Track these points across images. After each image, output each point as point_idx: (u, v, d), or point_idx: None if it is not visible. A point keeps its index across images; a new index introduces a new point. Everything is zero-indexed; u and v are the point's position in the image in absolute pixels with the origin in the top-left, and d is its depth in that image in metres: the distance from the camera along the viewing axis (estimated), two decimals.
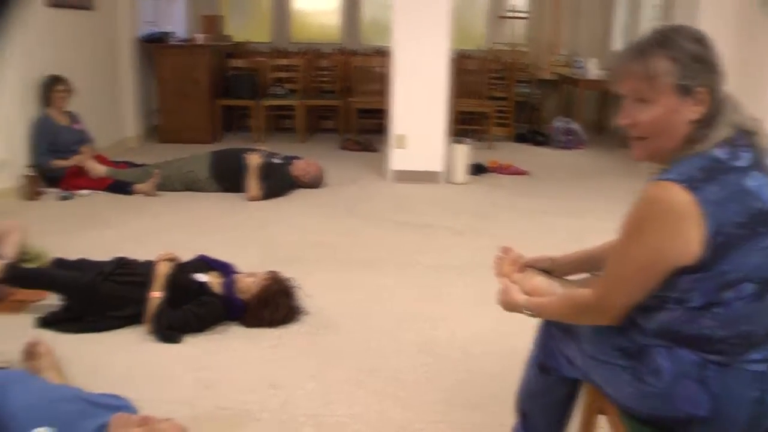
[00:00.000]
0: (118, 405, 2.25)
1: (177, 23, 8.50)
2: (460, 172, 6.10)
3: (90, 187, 5.58)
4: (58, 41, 6.10)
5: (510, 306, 1.91)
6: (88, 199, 5.46)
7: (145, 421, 2.07)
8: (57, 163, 5.61)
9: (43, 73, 5.75)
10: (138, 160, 6.21)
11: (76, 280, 3.41)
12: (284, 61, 8.22)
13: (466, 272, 3.98)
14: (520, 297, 1.90)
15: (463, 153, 6.11)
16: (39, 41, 5.71)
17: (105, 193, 5.56)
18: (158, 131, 7.79)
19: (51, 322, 3.32)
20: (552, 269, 2.11)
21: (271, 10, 9.47)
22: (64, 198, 5.40)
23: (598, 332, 1.75)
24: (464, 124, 7.60)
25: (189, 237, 4.34)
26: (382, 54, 6.91)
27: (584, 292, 1.75)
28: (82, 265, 3.59)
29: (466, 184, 6.05)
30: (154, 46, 7.68)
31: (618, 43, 9.18)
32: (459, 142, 6.14)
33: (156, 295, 3.25)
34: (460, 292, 3.75)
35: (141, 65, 7.60)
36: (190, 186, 5.64)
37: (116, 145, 6.96)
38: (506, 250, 2.17)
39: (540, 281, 2.03)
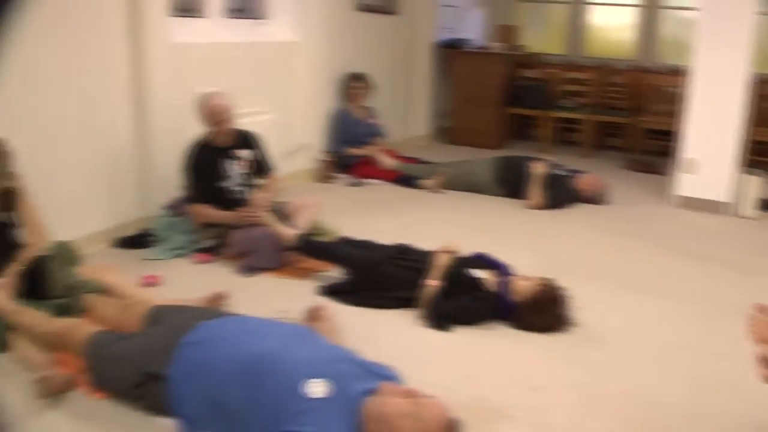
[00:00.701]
0: (387, 375, 2.33)
1: (473, 31, 8.68)
2: (749, 206, 5.52)
3: (378, 177, 5.91)
4: (363, 42, 6.57)
5: None
6: (375, 188, 5.78)
7: (411, 394, 2.10)
8: (351, 150, 6.03)
9: (347, 70, 6.22)
10: (426, 158, 6.45)
11: (361, 257, 3.63)
12: (576, 74, 8.04)
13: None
14: None
15: (755, 185, 5.52)
16: (345, 41, 6.21)
17: (392, 184, 5.84)
18: (447, 133, 8.02)
19: (332, 291, 3.58)
20: None
21: (567, 23, 9.32)
22: (354, 184, 5.79)
23: None
24: (758, 155, 6.85)
25: (467, 235, 4.37)
26: (678, 73, 6.45)
27: None
28: (367, 245, 3.80)
29: (755, 219, 5.45)
30: (450, 51, 7.93)
31: None
32: (751, 173, 5.56)
33: (433, 283, 3.35)
34: (741, 331, 3.36)
35: (436, 69, 7.88)
36: (473, 188, 5.71)
37: (406, 141, 7.29)
38: (764, 309, 1.85)
39: None
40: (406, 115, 7.53)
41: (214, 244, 4.06)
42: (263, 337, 2.40)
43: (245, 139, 4.19)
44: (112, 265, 3.59)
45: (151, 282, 3.64)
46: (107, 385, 2.56)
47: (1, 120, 3.37)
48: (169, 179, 4.38)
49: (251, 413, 2.20)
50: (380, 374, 2.32)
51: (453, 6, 8.58)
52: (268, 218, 3.88)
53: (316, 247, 3.84)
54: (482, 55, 7.88)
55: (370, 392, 2.16)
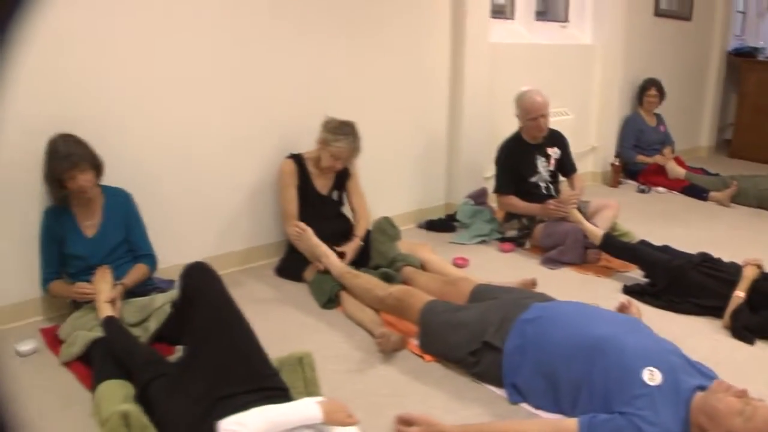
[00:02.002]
0: (709, 374, 2.34)
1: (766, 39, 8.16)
2: None
3: (666, 186, 5.78)
4: (658, 48, 6.45)
5: None
6: (662, 196, 5.67)
7: (743, 394, 2.10)
8: (641, 158, 5.97)
9: (641, 76, 6.16)
10: (710, 170, 6.19)
11: (666, 261, 3.61)
12: None
13: None
14: None
15: None
16: (641, 47, 6.16)
17: (679, 194, 5.69)
18: (730, 145, 7.63)
19: (634, 291, 3.58)
20: None
21: None
22: (641, 191, 5.73)
23: None
24: None
25: (761, 253, 4.16)
26: None
27: None
28: (667, 250, 3.77)
29: None
30: (741, 61, 7.52)
31: None
32: None
33: (740, 294, 3.26)
34: None
35: (725, 78, 7.52)
36: (764, 203, 5.42)
37: (688, 152, 7.04)
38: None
39: None
40: (691, 124, 7.28)
41: (517, 235, 4.25)
42: (599, 322, 2.50)
43: (555, 138, 4.34)
44: (426, 243, 3.91)
45: (460, 263, 3.89)
46: (441, 349, 2.79)
47: (349, 110, 3.82)
48: (474, 171, 4.65)
49: (581, 389, 2.32)
50: (704, 373, 2.33)
51: (743, 12, 8.13)
52: (576, 214, 3.98)
53: (620, 247, 3.87)
54: None
55: (702, 388, 2.19)
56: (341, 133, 3.51)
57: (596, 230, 3.89)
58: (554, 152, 4.31)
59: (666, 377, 2.18)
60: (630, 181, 5.91)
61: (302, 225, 3.47)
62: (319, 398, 1.99)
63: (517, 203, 4.22)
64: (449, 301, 2.97)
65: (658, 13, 6.29)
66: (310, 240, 3.43)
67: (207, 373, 2.09)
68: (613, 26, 5.68)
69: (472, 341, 2.64)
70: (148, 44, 3.29)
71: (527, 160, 4.25)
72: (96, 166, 2.91)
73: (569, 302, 2.84)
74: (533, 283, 3.43)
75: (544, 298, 2.87)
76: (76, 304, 2.94)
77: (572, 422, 2.18)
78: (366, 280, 3.23)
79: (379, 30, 4.17)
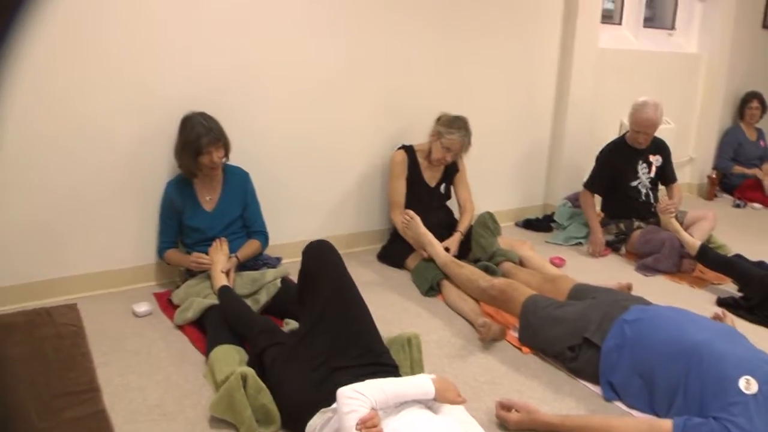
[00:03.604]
0: None
1: None
2: None
3: (762, 202, 5.71)
4: (762, 61, 6.33)
5: None
6: (758, 212, 5.60)
7: None
8: (738, 168, 5.92)
9: (743, 88, 6.09)
10: None
11: (762, 276, 3.61)
12: None
13: None
14: None
15: None
16: (746, 59, 6.08)
17: None
18: None
19: (728, 304, 3.59)
20: None
21: None
22: (737, 206, 5.68)
23: None
24: None
25: None
26: None
27: None
28: (763, 265, 3.78)
29: None
30: None
31: None
32: None
33: None
34: None
35: None
36: None
37: None
38: None
39: None
40: None
41: (614, 240, 4.32)
42: (698, 328, 2.56)
43: (658, 146, 4.38)
44: (526, 241, 4.02)
45: (557, 263, 4.00)
46: (540, 342, 2.88)
47: (459, 108, 3.95)
48: (573, 174, 4.73)
49: (677, 392, 2.39)
50: None
51: None
52: (674, 223, 4.02)
53: (716, 259, 3.88)
54: None
55: None
56: (454, 126, 3.66)
57: (693, 241, 3.93)
58: (656, 160, 4.36)
59: (762, 387, 2.22)
60: (726, 195, 5.88)
61: (411, 213, 3.61)
62: (431, 375, 2.08)
63: (588, 205, 4.34)
64: (549, 296, 3.07)
65: (766, 25, 6.18)
66: (418, 228, 3.58)
67: (324, 344, 2.24)
68: (720, 36, 5.63)
69: (572, 336, 2.73)
70: (270, 33, 3.48)
71: (629, 164, 4.31)
72: (226, 144, 3.14)
73: (668, 307, 2.90)
74: (629, 288, 3.51)
75: (643, 301, 2.94)
76: (191, 273, 3.15)
77: (667, 423, 2.24)
78: (470, 271, 3.35)
79: (491, 32, 4.29)
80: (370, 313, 2.37)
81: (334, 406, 1.94)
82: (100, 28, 2.99)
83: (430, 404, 2.03)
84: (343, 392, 1.86)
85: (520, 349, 2.96)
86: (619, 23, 5.28)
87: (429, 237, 3.56)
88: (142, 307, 3.08)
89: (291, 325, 2.75)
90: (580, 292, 3.07)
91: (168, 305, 3.14)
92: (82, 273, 3.23)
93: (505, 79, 4.43)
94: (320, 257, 2.43)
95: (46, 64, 2.90)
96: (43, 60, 2.89)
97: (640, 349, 2.57)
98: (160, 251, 3.27)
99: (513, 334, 3.04)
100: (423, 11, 3.95)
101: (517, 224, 4.71)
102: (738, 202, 5.71)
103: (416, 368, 2.53)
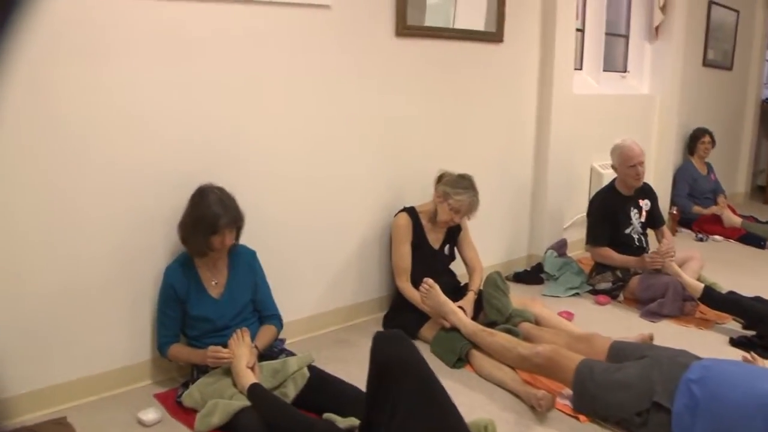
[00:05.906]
0: None
1: None
2: None
3: (722, 234, 5.82)
4: (705, 97, 6.57)
5: None
6: (720, 245, 5.70)
7: None
8: (698, 209, 6.02)
9: (690, 124, 6.24)
10: (760, 218, 6.25)
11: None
12: None
13: None
14: None
15: None
16: (692, 96, 6.29)
17: (736, 243, 5.72)
18: (765, 191, 7.74)
19: (743, 344, 3.57)
20: None
21: None
22: (700, 239, 5.75)
23: None
24: None
25: None
26: None
27: None
28: (762, 301, 3.79)
29: None
30: None
31: None
32: None
33: None
34: None
35: (759, 126, 7.67)
36: None
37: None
38: None
39: None
40: (729, 171, 7.38)
41: (611, 287, 4.22)
42: (766, 378, 2.49)
43: (645, 190, 4.36)
44: (536, 297, 3.87)
45: (565, 317, 3.85)
46: (601, 410, 2.72)
47: (444, 163, 3.80)
48: (555, 221, 4.64)
49: None
50: None
51: None
52: (674, 267, 3.98)
53: (722, 300, 3.86)
54: None
55: None
56: (461, 186, 3.47)
57: (696, 283, 3.90)
58: (645, 204, 4.33)
59: None
60: (685, 230, 5.95)
61: (430, 281, 3.37)
62: None
63: (613, 255, 4.20)
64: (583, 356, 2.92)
65: (706, 63, 6.40)
66: (438, 297, 3.34)
67: None
68: (671, 76, 5.76)
69: (640, 401, 2.60)
70: (264, 100, 3.24)
71: (622, 211, 4.25)
72: (240, 227, 2.85)
73: (725, 360, 2.82)
74: (651, 338, 3.40)
75: (694, 356, 2.84)
76: (200, 369, 2.79)
77: None
78: (505, 339, 3.15)
79: (472, 88, 4.18)
80: (457, 408, 2.14)
81: None
82: (88, 109, 2.67)
83: None
84: None
85: (577, 418, 2.78)
86: (580, 68, 5.29)
87: (451, 305, 3.33)
88: (149, 415, 2.68)
89: (346, 422, 2.44)
90: (623, 350, 2.94)
91: (178, 409, 2.75)
92: (69, 380, 2.81)
93: (485, 133, 4.33)
94: (397, 351, 2.19)
95: (28, 146, 2.55)
96: (24, 141, 2.53)
97: (718, 408, 2.45)
98: (162, 347, 2.88)
99: (561, 402, 2.87)
100: (399, 75, 3.80)
101: (507, 278, 4.53)
102: (700, 236, 5.79)
103: None
